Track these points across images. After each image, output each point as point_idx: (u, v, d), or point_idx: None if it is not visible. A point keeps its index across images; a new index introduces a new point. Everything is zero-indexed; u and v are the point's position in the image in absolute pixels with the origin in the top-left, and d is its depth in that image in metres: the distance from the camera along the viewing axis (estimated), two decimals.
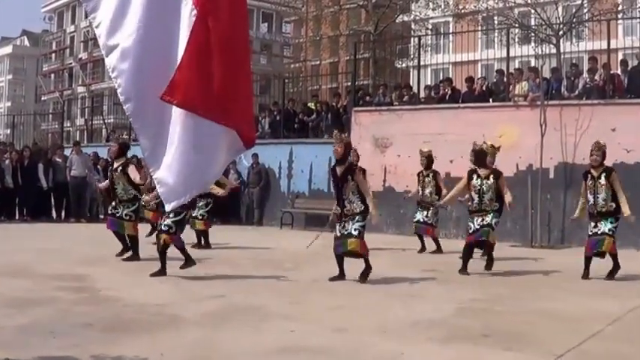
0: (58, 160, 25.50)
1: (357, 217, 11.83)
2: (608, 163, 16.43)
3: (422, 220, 16.87)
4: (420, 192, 16.97)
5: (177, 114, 7.94)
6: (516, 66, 24.52)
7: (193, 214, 16.27)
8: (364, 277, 11.89)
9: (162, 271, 11.97)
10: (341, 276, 11.96)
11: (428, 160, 17.13)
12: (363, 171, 13.32)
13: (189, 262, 12.21)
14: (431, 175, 16.93)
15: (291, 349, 7.24)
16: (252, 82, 9.65)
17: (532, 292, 11.22)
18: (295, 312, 9.31)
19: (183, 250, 12.25)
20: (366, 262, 11.99)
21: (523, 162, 19.49)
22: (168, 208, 8.69)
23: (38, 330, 7.80)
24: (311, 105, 27.14)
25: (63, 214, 25.59)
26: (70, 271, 12.42)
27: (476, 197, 13.12)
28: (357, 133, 22.86)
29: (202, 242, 16.78)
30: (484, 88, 22.43)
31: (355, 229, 11.75)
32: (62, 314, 8.79)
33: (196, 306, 9.53)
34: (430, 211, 16.79)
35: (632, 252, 17.30)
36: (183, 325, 8.34)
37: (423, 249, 16.82)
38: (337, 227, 12.02)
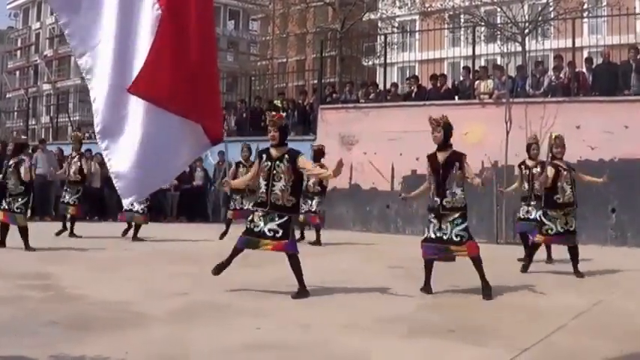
0: (23, 157, 25.29)
1: (457, 218, 10.41)
2: (572, 160, 16.62)
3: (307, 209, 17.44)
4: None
5: (140, 107, 7.87)
6: (482, 64, 24.65)
7: (134, 209, 17.23)
8: (487, 287, 10.47)
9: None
10: (428, 287, 10.72)
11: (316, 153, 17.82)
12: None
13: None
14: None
15: (256, 346, 7.22)
16: (219, 78, 9.55)
17: (497, 287, 11.23)
18: (261, 309, 9.27)
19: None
20: (478, 264, 10.57)
21: (488, 159, 19.56)
22: (126, 203, 8.59)
23: (4, 329, 7.72)
24: (277, 102, 27.10)
25: (28, 212, 25.40)
26: (35, 269, 12.31)
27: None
28: (324, 131, 22.90)
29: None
30: (449, 86, 22.59)
31: (457, 235, 10.42)
32: (28, 313, 8.70)
33: (162, 303, 9.47)
34: (314, 201, 17.48)
35: (597, 248, 17.45)
36: (148, 322, 8.28)
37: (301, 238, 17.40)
38: (431, 224, 10.57)
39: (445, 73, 26.42)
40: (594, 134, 18.63)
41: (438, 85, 22.51)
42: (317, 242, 17.08)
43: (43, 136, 47.24)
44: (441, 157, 10.84)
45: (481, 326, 8.33)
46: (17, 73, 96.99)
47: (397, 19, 41.33)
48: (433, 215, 10.54)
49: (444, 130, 11.02)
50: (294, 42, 62.77)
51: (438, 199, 10.49)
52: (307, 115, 24.93)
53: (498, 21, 28.25)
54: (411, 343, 7.52)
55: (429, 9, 35.07)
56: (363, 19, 39.30)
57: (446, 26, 33.30)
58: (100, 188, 23.48)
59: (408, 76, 27.13)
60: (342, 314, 8.94)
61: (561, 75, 20.40)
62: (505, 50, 23.76)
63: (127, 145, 7.90)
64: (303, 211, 17.17)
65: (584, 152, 18.55)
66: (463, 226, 10.44)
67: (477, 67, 22.58)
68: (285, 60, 66.59)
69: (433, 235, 10.54)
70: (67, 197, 18.17)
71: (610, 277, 12.63)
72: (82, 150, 19.35)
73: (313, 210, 17.44)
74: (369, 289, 10.91)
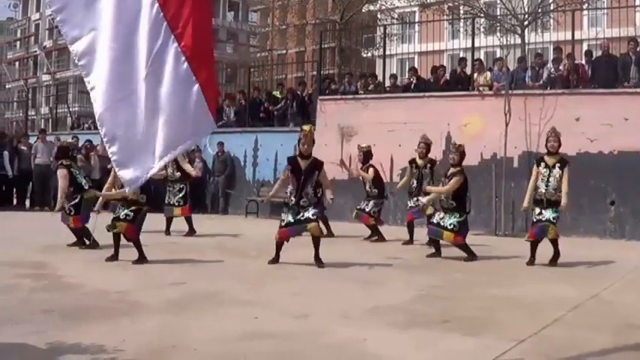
0: (23, 148, 25.36)
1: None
2: (571, 152, 16.63)
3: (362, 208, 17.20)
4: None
5: (143, 88, 7.79)
6: (482, 56, 24.60)
7: (170, 202, 16.71)
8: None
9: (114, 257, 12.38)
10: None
11: (365, 155, 17.45)
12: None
13: (141, 259, 12.31)
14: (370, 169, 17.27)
15: (253, 336, 7.23)
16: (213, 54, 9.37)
17: (493, 279, 11.28)
18: (258, 298, 9.29)
19: (137, 243, 12.40)
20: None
21: (487, 151, 19.55)
22: (128, 190, 8.54)
23: None
24: (276, 93, 27.07)
25: (27, 202, 25.46)
26: (31, 258, 12.35)
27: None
28: (323, 122, 22.85)
29: (169, 230, 16.99)
30: (447, 77, 22.59)
31: (451, 224, 13.37)
32: (23, 301, 8.73)
33: (159, 293, 9.49)
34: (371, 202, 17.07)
35: (595, 240, 17.45)
36: (145, 311, 8.30)
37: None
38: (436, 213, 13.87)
39: (444, 65, 26.38)
40: (593, 126, 18.57)
41: (439, 76, 22.50)
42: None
43: (42, 126, 47.16)
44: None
45: (476, 318, 8.32)
46: (17, 63, 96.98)
47: (397, 11, 41.27)
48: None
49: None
50: (293, 33, 62.59)
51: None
52: (306, 106, 24.89)
53: (498, 13, 28.13)
54: (406, 333, 7.52)
55: (429, 0, 35.01)
56: (363, 10, 39.24)
57: (445, 18, 33.27)
58: (100, 179, 23.47)
59: (407, 67, 27.12)
60: (339, 304, 8.95)
61: (560, 67, 20.36)
62: (504, 42, 23.66)
63: (127, 131, 7.85)
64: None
65: (583, 144, 18.51)
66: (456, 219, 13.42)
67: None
68: (284, 51, 66.50)
69: (435, 220, 13.59)
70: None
71: (607, 270, 12.63)
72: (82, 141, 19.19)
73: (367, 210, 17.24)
74: (365, 279, 10.96)
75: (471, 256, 13.45)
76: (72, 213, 14.18)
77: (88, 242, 14.21)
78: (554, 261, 12.83)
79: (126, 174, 8.06)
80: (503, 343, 7.03)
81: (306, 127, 12.98)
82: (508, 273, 12.03)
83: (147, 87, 7.72)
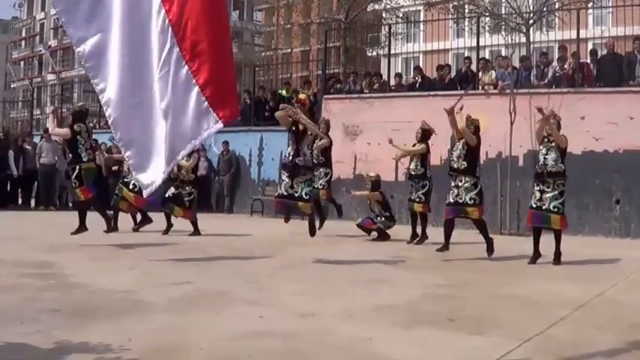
0: (27, 147, 25.39)
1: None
2: (576, 151, 16.65)
3: None
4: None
5: (153, 92, 7.81)
6: (487, 55, 24.60)
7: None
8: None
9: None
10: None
11: (374, 184, 17.60)
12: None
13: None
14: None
15: (257, 335, 7.22)
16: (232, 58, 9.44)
17: (499, 278, 11.27)
18: (263, 298, 9.29)
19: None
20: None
21: (492, 150, 19.54)
22: (146, 193, 8.56)
23: (3, 316, 7.73)
24: (283, 92, 27.08)
25: (32, 201, 25.49)
26: (37, 257, 12.33)
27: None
28: None
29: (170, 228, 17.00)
30: (452, 76, 22.58)
31: (471, 199, 13.37)
32: (28, 300, 8.70)
33: (164, 292, 9.48)
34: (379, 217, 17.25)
35: (600, 239, 17.44)
36: (150, 311, 8.28)
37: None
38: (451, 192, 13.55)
39: (449, 64, 26.39)
40: (598, 125, 18.59)
41: (444, 75, 22.51)
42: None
43: (47, 126, 47.16)
44: None
45: (481, 317, 8.31)
46: (22, 63, 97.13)
47: (401, 10, 41.23)
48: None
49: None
50: (298, 32, 62.59)
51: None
52: (311, 105, 24.87)
53: (503, 11, 28.16)
54: (411, 332, 7.50)
55: None
56: (368, 9, 39.26)
57: (450, 17, 33.25)
58: (105, 177, 23.51)
59: (412, 66, 27.16)
60: (343, 304, 8.93)
61: (566, 66, 20.36)
62: (509, 41, 23.65)
63: (143, 135, 7.87)
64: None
65: (588, 143, 18.53)
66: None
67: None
68: (289, 50, 66.47)
69: (452, 200, 13.40)
70: None
71: (612, 269, 12.63)
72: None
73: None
74: (369, 278, 10.94)
75: (488, 239, 13.65)
76: (77, 185, 14.21)
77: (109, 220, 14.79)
78: (557, 260, 12.80)
79: (144, 178, 8.11)
80: (508, 342, 7.02)
81: (301, 96, 13.25)
82: (513, 272, 12.03)
83: (158, 93, 7.77)
